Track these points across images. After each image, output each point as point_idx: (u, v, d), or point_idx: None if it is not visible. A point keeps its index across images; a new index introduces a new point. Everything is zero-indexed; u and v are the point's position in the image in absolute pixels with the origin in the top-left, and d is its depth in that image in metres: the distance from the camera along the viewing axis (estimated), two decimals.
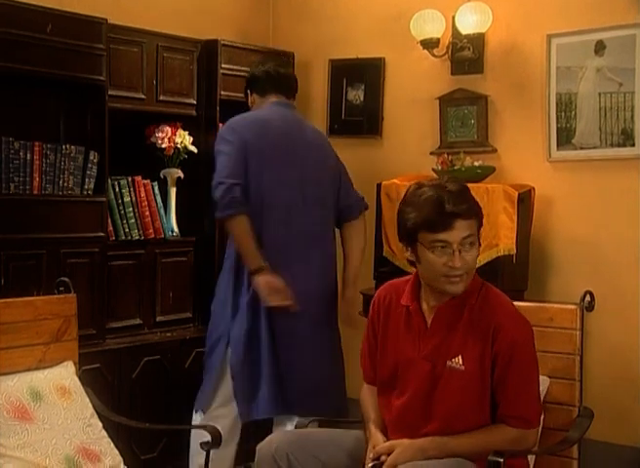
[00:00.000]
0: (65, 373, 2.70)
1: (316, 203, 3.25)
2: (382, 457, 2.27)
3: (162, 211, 3.90)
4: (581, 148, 3.71)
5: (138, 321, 3.76)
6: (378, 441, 2.33)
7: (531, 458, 2.47)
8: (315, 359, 3.19)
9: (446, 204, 2.23)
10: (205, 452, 2.55)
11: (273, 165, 3.19)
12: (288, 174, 3.21)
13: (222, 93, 4.05)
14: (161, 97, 3.88)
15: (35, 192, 3.35)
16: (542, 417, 2.54)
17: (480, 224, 2.33)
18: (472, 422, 2.30)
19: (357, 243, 3.39)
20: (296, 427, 2.76)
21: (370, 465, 2.27)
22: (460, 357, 2.31)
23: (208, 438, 2.55)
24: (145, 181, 3.86)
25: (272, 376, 3.11)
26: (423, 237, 2.26)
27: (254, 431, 3.31)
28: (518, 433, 2.30)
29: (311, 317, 3.18)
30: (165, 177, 3.97)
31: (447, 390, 2.32)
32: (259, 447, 2.43)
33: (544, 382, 2.59)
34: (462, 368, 2.31)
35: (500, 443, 2.27)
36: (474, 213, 2.29)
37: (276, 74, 3.40)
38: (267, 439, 2.42)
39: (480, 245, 2.34)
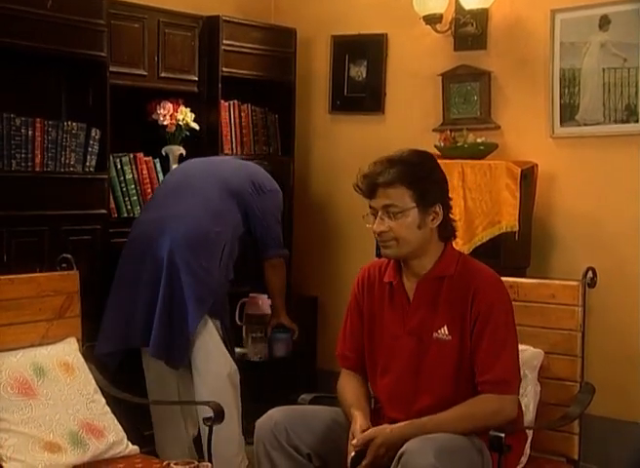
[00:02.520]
0: (69, 350, 2.71)
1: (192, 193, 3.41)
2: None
3: None
4: (585, 124, 3.69)
5: None
6: (356, 429, 2.31)
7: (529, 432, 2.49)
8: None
9: (369, 173, 2.34)
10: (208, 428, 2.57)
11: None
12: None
13: (224, 69, 4.04)
14: (162, 74, 3.86)
15: (37, 169, 3.34)
16: (540, 390, 2.56)
17: (418, 195, 2.31)
18: (464, 392, 2.31)
19: (269, 280, 3.62)
20: (297, 403, 2.77)
21: (352, 455, 2.26)
22: (445, 327, 2.34)
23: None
24: (147, 158, 3.85)
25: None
26: (368, 205, 2.39)
27: (253, 408, 3.34)
28: (496, 401, 2.29)
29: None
30: (167, 155, 3.95)
31: (436, 361, 2.33)
32: (258, 422, 2.44)
33: (539, 356, 2.60)
34: (449, 338, 2.33)
35: (480, 415, 2.28)
36: (397, 182, 2.31)
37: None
38: (267, 414, 2.44)
39: (419, 220, 2.32)
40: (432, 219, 2.35)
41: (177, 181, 3.54)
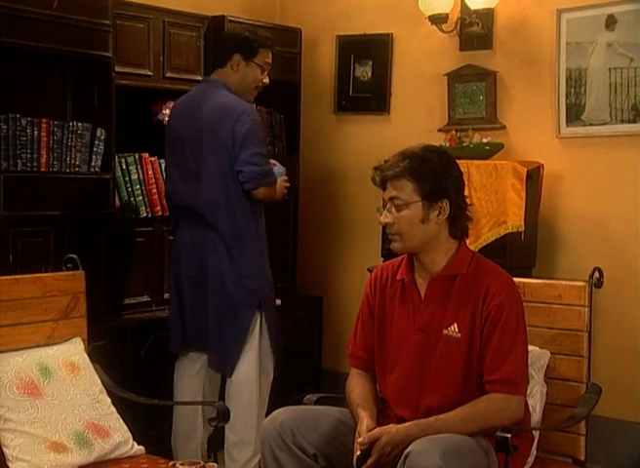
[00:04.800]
0: (74, 350, 2.71)
1: (197, 178, 3.28)
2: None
3: None
4: (591, 124, 3.69)
5: (146, 298, 3.77)
6: (362, 429, 2.31)
7: (535, 432, 2.48)
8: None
9: (380, 166, 2.39)
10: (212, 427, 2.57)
11: (170, 150, 3.43)
12: (177, 157, 3.38)
13: None
14: (168, 74, 3.86)
15: (43, 169, 3.34)
16: (546, 391, 2.55)
17: (423, 189, 2.32)
18: (471, 391, 2.31)
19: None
20: (303, 403, 2.77)
21: (357, 453, 2.26)
22: (455, 325, 2.34)
23: None
24: (152, 158, 3.84)
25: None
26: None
27: None
28: (503, 401, 2.28)
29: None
30: None
31: (444, 359, 2.33)
32: (264, 422, 2.45)
33: (544, 356, 2.59)
34: (459, 335, 2.33)
35: (487, 415, 2.27)
36: (403, 175, 2.33)
37: (213, 50, 3.56)
38: (272, 414, 2.44)
39: (423, 214, 2.33)
40: (438, 215, 2.35)
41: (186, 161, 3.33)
